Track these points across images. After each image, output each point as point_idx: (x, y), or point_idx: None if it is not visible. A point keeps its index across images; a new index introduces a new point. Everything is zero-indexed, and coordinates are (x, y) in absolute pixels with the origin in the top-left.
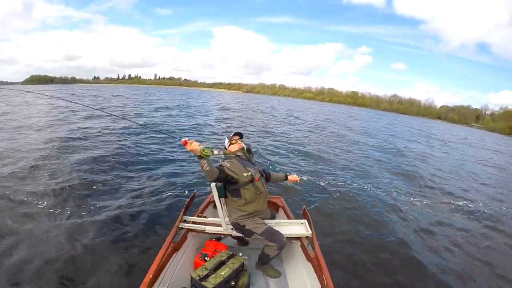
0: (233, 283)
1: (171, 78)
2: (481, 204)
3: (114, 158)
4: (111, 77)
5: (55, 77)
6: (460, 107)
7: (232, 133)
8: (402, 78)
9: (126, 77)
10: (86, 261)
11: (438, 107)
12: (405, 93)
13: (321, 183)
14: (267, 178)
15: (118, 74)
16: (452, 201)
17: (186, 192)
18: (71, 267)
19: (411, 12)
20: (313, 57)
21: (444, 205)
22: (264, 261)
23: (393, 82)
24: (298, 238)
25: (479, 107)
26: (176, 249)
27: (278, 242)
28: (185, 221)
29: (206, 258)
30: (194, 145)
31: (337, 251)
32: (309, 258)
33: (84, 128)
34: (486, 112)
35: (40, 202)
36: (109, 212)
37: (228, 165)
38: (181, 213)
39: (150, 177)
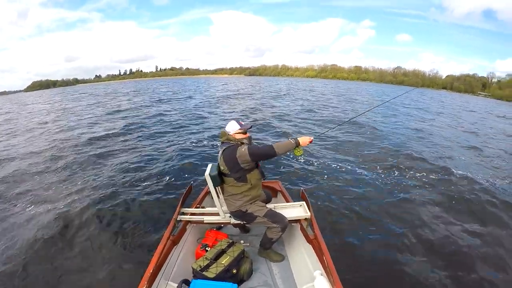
0: (234, 271)
1: (172, 69)
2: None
3: (110, 154)
4: (112, 74)
5: (57, 81)
6: (466, 75)
7: (246, 124)
8: (408, 50)
9: (128, 72)
10: (86, 259)
11: (444, 77)
12: (411, 65)
13: (318, 165)
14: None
15: (120, 70)
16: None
17: (183, 184)
18: (70, 264)
19: None
20: (315, 34)
21: (443, 180)
22: (266, 246)
23: (399, 54)
24: (297, 221)
25: (485, 75)
26: (175, 241)
27: (281, 222)
28: (183, 213)
29: (207, 248)
30: None
31: (336, 231)
32: (309, 240)
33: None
34: (493, 80)
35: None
36: (105, 208)
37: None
38: (178, 206)
39: (146, 172)
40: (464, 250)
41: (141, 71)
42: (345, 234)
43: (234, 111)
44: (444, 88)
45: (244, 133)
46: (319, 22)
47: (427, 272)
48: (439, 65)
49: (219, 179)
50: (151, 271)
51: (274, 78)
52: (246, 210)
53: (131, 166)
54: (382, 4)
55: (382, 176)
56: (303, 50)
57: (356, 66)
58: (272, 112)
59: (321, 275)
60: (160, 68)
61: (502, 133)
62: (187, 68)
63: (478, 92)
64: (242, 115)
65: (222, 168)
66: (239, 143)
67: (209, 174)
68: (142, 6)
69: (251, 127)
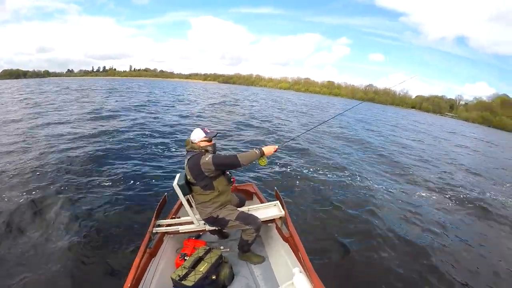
0: (214, 277)
1: (146, 70)
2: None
3: (69, 165)
4: (85, 70)
5: (28, 71)
6: (434, 97)
7: (212, 132)
8: (380, 69)
9: (101, 69)
10: (56, 279)
11: (413, 97)
12: (383, 83)
13: (292, 166)
14: None
15: (93, 66)
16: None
17: (158, 195)
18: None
19: (392, 4)
20: (292, 47)
21: (407, 182)
22: (244, 249)
23: (371, 72)
24: (273, 220)
25: (454, 98)
26: (153, 254)
27: (254, 223)
28: (158, 225)
29: (185, 258)
30: None
31: (310, 228)
32: (285, 239)
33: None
34: (460, 102)
35: None
36: (72, 225)
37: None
38: (153, 218)
39: (117, 182)
40: (436, 246)
41: (115, 69)
42: (319, 231)
43: (204, 117)
44: (413, 107)
45: (209, 140)
46: (296, 36)
47: (397, 266)
48: (410, 85)
49: (188, 188)
50: (129, 285)
51: (249, 88)
52: (217, 216)
53: (98, 178)
54: (360, 23)
55: (350, 176)
56: (278, 62)
57: (329, 81)
58: (239, 120)
59: (300, 272)
60: (135, 68)
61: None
62: (162, 71)
63: (446, 113)
64: (210, 122)
65: (188, 177)
66: (203, 151)
67: (177, 184)
68: (122, 3)
69: (216, 135)
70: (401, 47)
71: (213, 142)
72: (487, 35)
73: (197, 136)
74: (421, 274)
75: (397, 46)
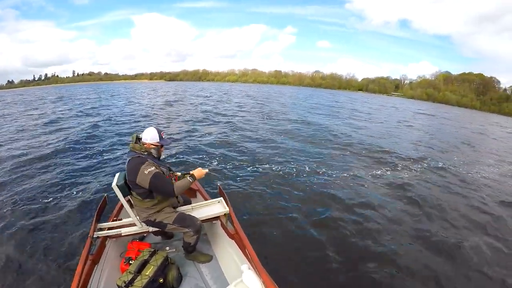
0: (161, 280)
1: (90, 74)
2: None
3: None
4: (27, 79)
5: None
6: (380, 78)
7: (167, 139)
8: (328, 55)
9: (43, 78)
10: None
11: (360, 80)
12: (330, 69)
13: (235, 161)
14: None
15: (34, 75)
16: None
17: (98, 198)
18: None
19: None
20: (238, 39)
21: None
22: (189, 250)
23: (319, 59)
24: (218, 217)
25: (399, 78)
26: (96, 260)
27: (192, 226)
28: (100, 229)
29: (131, 262)
30: None
31: (256, 223)
32: (230, 235)
33: None
34: (405, 82)
35: None
36: (3, 238)
37: (158, 170)
38: (94, 222)
39: (53, 183)
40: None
41: (57, 76)
42: (264, 225)
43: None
44: (360, 90)
45: (160, 146)
46: (242, 28)
47: (342, 254)
48: (357, 69)
49: (127, 188)
50: None
51: (196, 83)
52: (155, 219)
53: (32, 179)
54: (304, 12)
55: (294, 168)
56: (225, 55)
57: (276, 71)
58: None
59: (248, 269)
60: (78, 73)
61: None
62: (106, 73)
63: (392, 93)
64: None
65: (127, 179)
66: (145, 154)
67: (116, 185)
68: (61, 5)
69: (169, 144)
70: (347, 33)
71: (163, 149)
72: (429, 17)
73: (150, 137)
74: (366, 256)
75: (343, 32)
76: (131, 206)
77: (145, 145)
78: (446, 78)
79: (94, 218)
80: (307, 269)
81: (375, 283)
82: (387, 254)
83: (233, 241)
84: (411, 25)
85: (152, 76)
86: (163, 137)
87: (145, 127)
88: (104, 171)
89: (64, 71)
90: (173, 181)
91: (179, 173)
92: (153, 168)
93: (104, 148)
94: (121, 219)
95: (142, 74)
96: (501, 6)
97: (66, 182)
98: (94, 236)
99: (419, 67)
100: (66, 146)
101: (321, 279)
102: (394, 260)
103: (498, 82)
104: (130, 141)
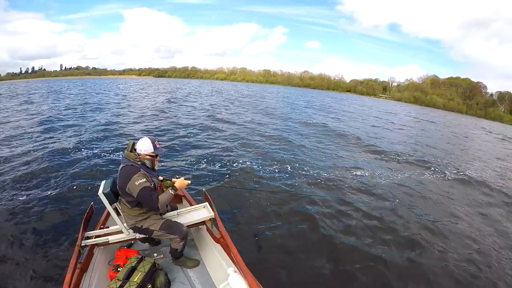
0: (149, 286)
1: (78, 68)
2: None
3: None
4: (13, 72)
5: None
6: (368, 80)
7: (161, 148)
8: (316, 56)
9: (30, 71)
10: None
11: (348, 81)
12: (319, 69)
13: (218, 166)
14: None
15: (21, 68)
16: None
17: (84, 205)
18: None
19: None
20: (228, 37)
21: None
22: (176, 255)
23: (308, 59)
24: (203, 222)
25: (387, 80)
26: (84, 269)
27: (179, 232)
28: (87, 238)
29: (119, 269)
30: None
31: (241, 227)
32: (216, 240)
33: None
34: (393, 84)
35: None
36: None
37: (149, 183)
38: (81, 230)
39: (37, 192)
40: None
41: (44, 69)
42: (249, 228)
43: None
44: (348, 91)
45: (155, 156)
46: (233, 26)
47: (327, 255)
48: (345, 70)
49: (114, 195)
50: None
51: (184, 80)
52: (141, 226)
53: (13, 187)
54: (295, 12)
55: (278, 171)
56: (215, 53)
57: (265, 70)
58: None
59: (234, 272)
60: (65, 67)
61: None
62: (94, 68)
63: (379, 95)
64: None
65: (118, 185)
66: (138, 163)
67: (102, 192)
68: None
69: (164, 152)
70: (337, 35)
71: (157, 158)
72: (418, 21)
73: (144, 148)
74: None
75: (333, 33)
76: (118, 213)
77: (140, 156)
78: (434, 81)
79: (81, 227)
80: (291, 270)
81: (362, 284)
82: (372, 253)
83: (219, 245)
84: (400, 29)
85: (140, 72)
86: (157, 146)
87: (129, 134)
88: (89, 178)
89: (52, 64)
90: (163, 190)
91: (161, 177)
92: (143, 180)
93: (88, 154)
94: (108, 227)
95: (130, 70)
96: (491, 12)
97: (51, 190)
98: (82, 244)
99: (407, 70)
100: (49, 152)
101: (307, 279)
102: (380, 258)
103: (485, 87)
104: (125, 147)
